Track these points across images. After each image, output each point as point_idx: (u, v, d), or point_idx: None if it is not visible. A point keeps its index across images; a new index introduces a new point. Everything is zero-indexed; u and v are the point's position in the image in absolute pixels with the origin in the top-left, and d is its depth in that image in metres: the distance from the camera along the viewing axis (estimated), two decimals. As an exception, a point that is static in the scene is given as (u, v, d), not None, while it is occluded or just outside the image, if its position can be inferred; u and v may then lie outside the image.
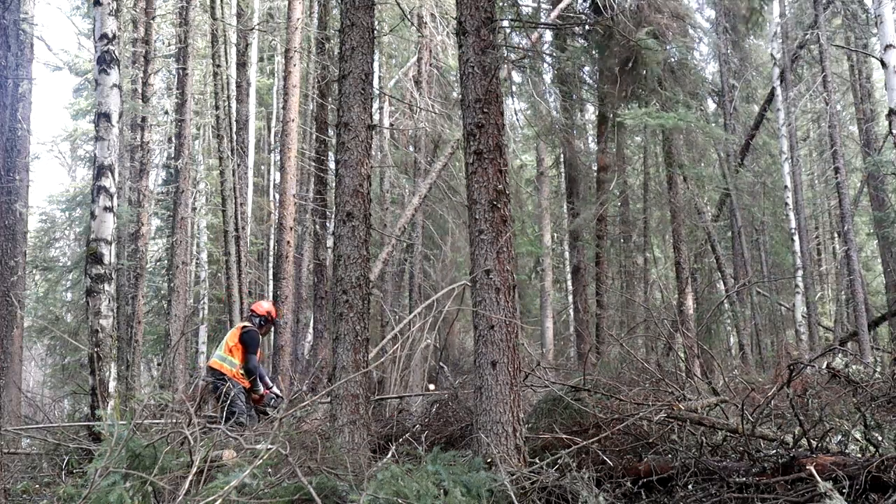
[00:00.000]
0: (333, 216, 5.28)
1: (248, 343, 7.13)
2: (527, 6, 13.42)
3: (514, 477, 3.92)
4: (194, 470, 3.41)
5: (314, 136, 14.19)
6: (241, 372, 7.13)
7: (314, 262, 14.18)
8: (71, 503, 3.24)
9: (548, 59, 13.12)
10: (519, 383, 4.42)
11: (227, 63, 15.39)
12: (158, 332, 18.66)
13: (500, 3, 10.49)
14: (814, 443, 4.14)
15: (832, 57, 17.24)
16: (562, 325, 21.64)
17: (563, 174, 16.41)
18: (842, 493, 3.46)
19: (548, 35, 13.57)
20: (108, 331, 6.45)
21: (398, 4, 8.44)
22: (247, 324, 7.42)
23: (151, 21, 13.75)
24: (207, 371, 7.46)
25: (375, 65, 16.71)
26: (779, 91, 14.50)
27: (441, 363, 8.56)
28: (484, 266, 4.46)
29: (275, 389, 7.38)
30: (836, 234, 23.25)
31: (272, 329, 8.21)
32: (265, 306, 7.65)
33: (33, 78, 12.11)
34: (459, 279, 15.35)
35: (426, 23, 13.43)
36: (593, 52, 12.52)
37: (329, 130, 13.42)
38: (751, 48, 18.09)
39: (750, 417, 4.47)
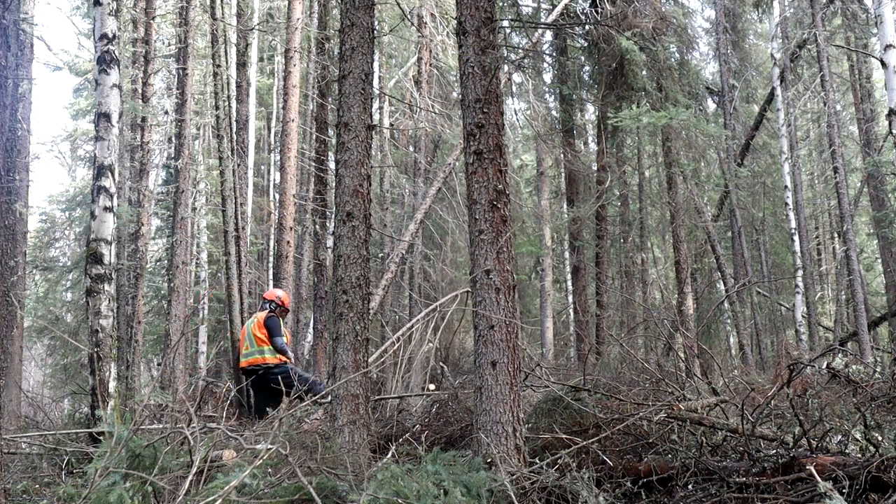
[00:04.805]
0: (333, 216, 5.28)
1: (271, 327, 7.75)
2: (527, 6, 13.42)
3: (514, 477, 3.91)
4: (194, 470, 3.41)
5: (314, 136, 14.18)
6: (278, 354, 7.71)
7: (314, 262, 14.17)
8: (71, 503, 3.24)
9: (548, 59, 13.13)
10: (519, 383, 4.42)
11: (227, 63, 15.34)
12: (158, 332, 18.64)
13: (500, 3, 10.49)
14: (814, 443, 4.14)
15: (832, 57, 17.23)
16: (562, 325, 21.63)
17: (562, 174, 16.42)
18: (842, 493, 3.46)
19: (548, 35, 13.58)
20: (108, 331, 6.45)
21: (398, 4, 8.43)
22: (266, 312, 7.95)
23: (151, 21, 13.73)
24: (245, 373, 7.76)
25: (375, 65, 16.71)
26: (779, 91, 14.49)
27: (441, 363, 8.55)
28: (484, 266, 4.45)
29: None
30: (836, 234, 23.24)
31: (285, 315, 8.45)
32: (276, 293, 8.28)
33: (33, 78, 12.12)
34: (459, 279, 15.38)
35: (426, 23, 13.44)
36: (594, 52, 12.58)
37: (329, 130, 13.41)
38: (751, 48, 18.10)
39: (750, 417, 4.47)
